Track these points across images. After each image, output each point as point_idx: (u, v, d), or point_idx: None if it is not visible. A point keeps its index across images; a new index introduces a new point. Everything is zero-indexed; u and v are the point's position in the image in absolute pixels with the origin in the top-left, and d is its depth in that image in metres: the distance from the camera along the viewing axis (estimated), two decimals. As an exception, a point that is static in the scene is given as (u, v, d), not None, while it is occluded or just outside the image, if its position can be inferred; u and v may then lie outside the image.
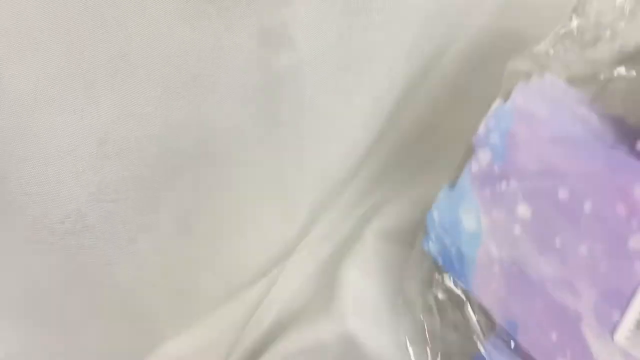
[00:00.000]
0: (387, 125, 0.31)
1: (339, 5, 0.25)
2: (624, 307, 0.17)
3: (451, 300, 0.25)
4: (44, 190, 0.22)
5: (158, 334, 0.30)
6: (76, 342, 0.27)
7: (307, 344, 0.30)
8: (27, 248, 0.24)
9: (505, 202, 0.22)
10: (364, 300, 0.31)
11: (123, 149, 0.23)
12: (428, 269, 0.27)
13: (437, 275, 0.26)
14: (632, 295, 0.17)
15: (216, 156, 0.26)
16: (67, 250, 0.24)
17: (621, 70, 0.19)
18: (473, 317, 0.24)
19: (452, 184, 0.25)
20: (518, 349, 0.21)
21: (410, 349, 0.28)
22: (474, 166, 0.24)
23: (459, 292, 0.25)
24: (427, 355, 0.27)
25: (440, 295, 0.26)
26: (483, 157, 0.24)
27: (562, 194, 0.20)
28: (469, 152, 0.25)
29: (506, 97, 0.23)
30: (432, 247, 0.27)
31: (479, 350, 0.23)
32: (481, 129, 0.24)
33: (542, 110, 0.21)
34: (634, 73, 0.19)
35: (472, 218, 0.24)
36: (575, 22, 0.22)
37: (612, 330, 0.18)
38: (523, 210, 0.21)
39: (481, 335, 0.23)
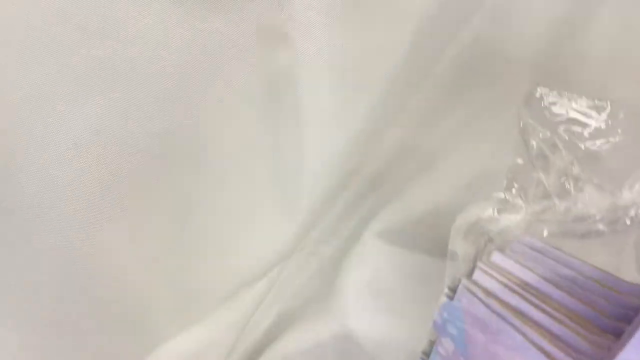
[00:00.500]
0: (386, 125, 0.31)
1: (337, 5, 0.25)
2: None
3: None
4: (44, 189, 0.22)
5: (158, 334, 0.30)
6: (76, 342, 0.27)
7: (307, 344, 0.30)
8: (26, 248, 0.24)
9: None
10: (364, 300, 0.31)
11: (123, 148, 0.23)
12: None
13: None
14: None
15: (215, 155, 0.26)
16: (67, 249, 0.24)
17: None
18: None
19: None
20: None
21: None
22: (441, 350, 0.24)
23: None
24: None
25: None
26: (448, 346, 0.24)
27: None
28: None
29: (452, 258, 0.24)
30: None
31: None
32: (437, 317, 0.24)
33: (487, 316, 0.21)
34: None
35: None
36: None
37: None
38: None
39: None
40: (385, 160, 0.33)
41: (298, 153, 0.29)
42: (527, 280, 0.21)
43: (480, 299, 0.21)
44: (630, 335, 0.16)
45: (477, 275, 0.22)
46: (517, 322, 0.20)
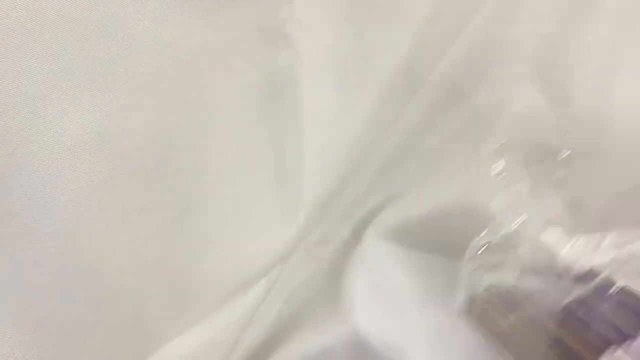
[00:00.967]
0: (387, 125, 0.31)
1: (338, 5, 0.25)
2: None
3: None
4: (44, 188, 0.22)
5: (158, 334, 0.30)
6: (76, 342, 0.27)
7: (314, 349, 0.30)
8: (26, 248, 0.24)
9: None
10: (369, 302, 0.31)
11: (122, 146, 0.23)
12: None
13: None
14: None
15: (215, 155, 0.26)
16: (67, 250, 0.24)
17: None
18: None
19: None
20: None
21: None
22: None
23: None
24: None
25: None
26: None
27: None
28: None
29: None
30: None
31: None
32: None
33: None
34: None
35: None
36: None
37: None
38: None
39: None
40: (386, 160, 0.33)
41: (298, 153, 0.29)
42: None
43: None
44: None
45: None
46: None
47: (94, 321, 0.27)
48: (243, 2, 0.23)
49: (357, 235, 0.33)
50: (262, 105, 0.26)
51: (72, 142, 0.22)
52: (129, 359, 0.29)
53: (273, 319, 0.31)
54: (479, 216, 0.27)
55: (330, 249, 0.33)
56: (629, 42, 0.29)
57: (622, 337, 0.21)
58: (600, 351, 0.20)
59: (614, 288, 0.22)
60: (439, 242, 0.31)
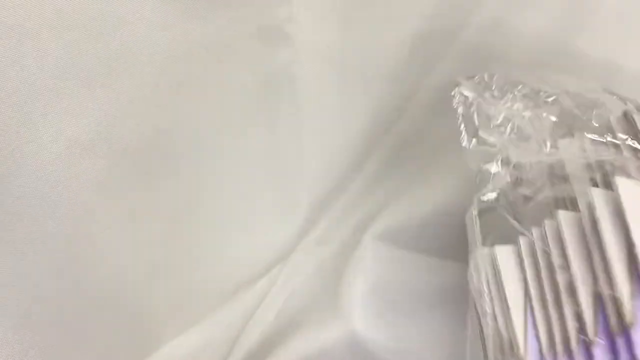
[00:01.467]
0: (386, 125, 0.31)
1: (338, 5, 0.25)
2: None
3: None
4: (44, 188, 0.22)
5: (158, 334, 0.30)
6: (76, 342, 0.27)
7: (312, 349, 0.30)
8: (26, 248, 0.24)
9: None
10: (368, 303, 0.31)
11: (122, 146, 0.23)
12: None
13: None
14: None
15: (214, 155, 0.26)
16: (66, 249, 0.24)
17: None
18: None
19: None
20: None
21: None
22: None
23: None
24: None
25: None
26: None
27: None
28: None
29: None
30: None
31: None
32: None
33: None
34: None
35: None
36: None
37: None
38: None
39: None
40: (386, 160, 0.33)
41: (298, 153, 0.29)
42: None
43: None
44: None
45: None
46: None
47: (94, 321, 0.27)
48: (242, 1, 0.23)
49: (356, 236, 0.33)
50: (262, 104, 0.26)
51: (72, 141, 0.22)
52: (129, 359, 0.29)
53: (273, 319, 0.31)
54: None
55: (330, 249, 0.33)
56: (630, 41, 0.29)
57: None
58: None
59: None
60: (438, 243, 0.31)
